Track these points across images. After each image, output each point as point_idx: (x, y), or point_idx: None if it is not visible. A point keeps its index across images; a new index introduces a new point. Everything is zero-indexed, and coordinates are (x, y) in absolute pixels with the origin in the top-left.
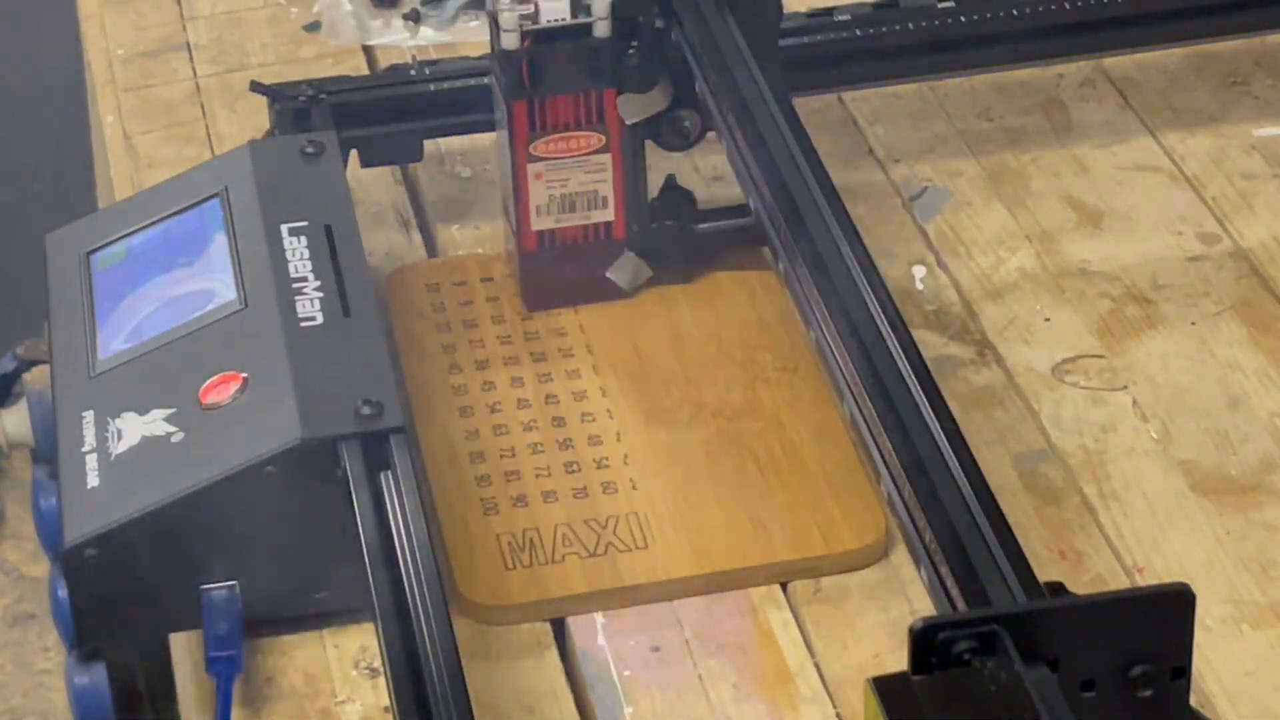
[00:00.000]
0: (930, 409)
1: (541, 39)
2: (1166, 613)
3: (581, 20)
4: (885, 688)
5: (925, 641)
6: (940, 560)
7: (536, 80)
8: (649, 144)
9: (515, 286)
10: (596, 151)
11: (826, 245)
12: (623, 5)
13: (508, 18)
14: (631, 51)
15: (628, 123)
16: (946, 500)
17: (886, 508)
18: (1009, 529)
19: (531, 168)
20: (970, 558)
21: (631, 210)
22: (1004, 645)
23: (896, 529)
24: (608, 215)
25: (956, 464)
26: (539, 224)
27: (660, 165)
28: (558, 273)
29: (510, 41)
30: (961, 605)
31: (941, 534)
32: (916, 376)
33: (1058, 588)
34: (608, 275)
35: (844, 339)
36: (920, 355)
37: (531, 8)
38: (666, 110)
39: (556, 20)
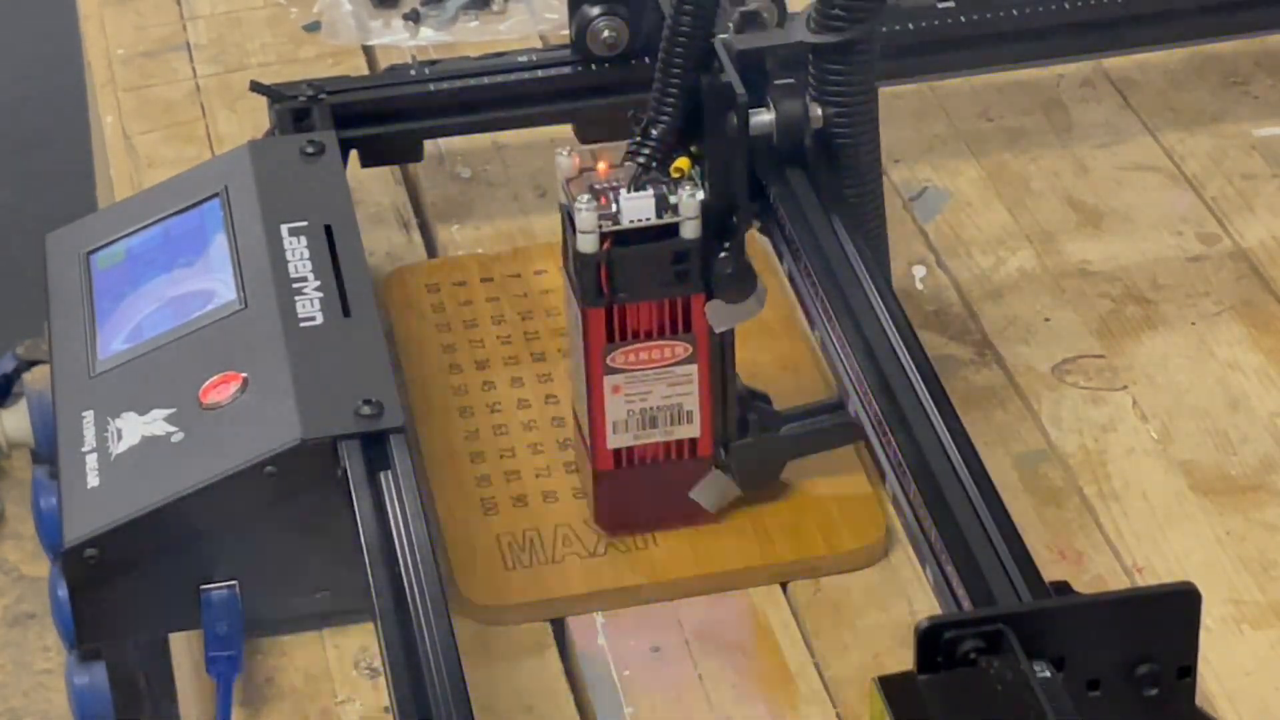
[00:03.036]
0: (936, 408)
1: (622, 240)
2: (1172, 612)
3: (668, 220)
4: (891, 687)
5: (931, 640)
6: (946, 560)
7: (617, 286)
8: None
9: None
10: (681, 362)
11: (831, 245)
12: (713, 204)
13: (586, 218)
14: (724, 255)
15: (716, 331)
16: (952, 500)
17: (890, 507)
18: (1014, 528)
19: (608, 380)
20: (976, 557)
21: (719, 426)
22: (1010, 644)
23: (896, 529)
24: (692, 432)
25: (962, 464)
26: (615, 441)
27: None
28: (636, 494)
29: (588, 244)
30: (967, 604)
31: (947, 533)
32: (922, 376)
33: (1063, 587)
34: (691, 496)
35: (849, 338)
36: (925, 354)
37: (612, 207)
38: None
39: (640, 220)
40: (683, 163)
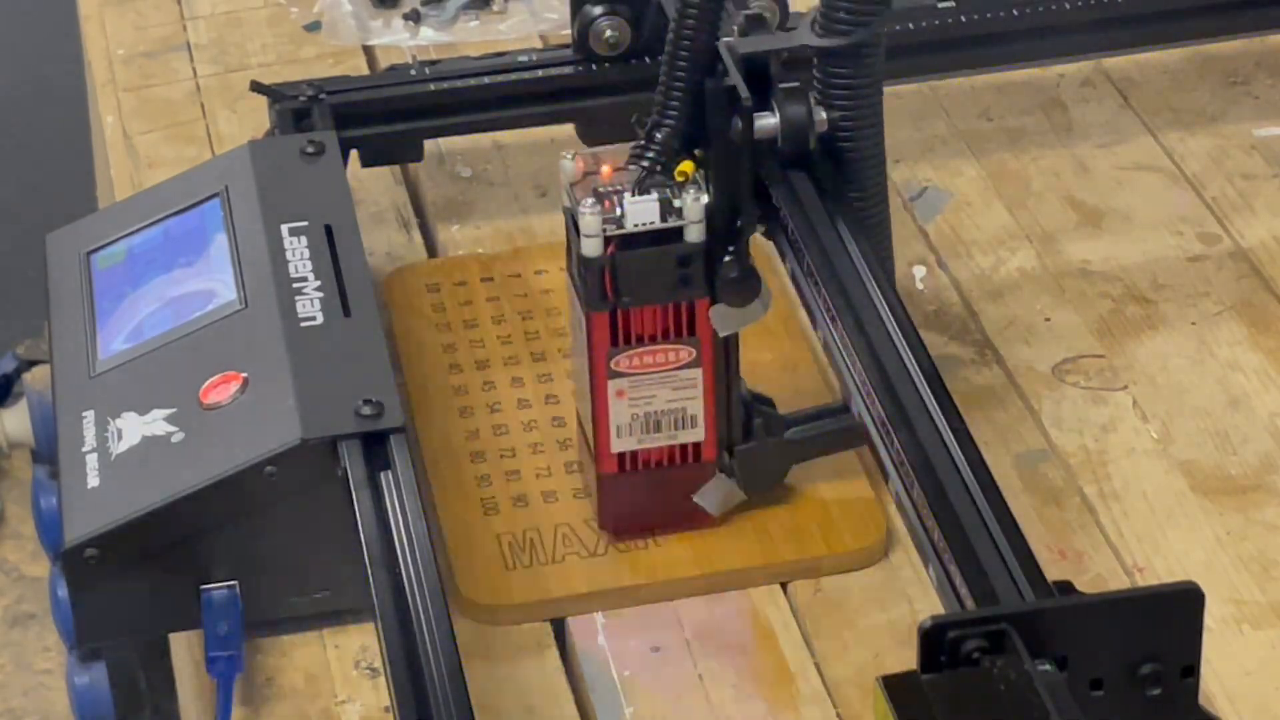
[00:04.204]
0: (938, 408)
1: (627, 244)
2: (1175, 612)
3: (671, 224)
4: (894, 687)
5: (934, 640)
6: (949, 559)
7: (621, 290)
8: None
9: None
10: (686, 366)
11: (834, 244)
12: (717, 207)
13: (589, 221)
14: (728, 259)
15: (721, 335)
16: (955, 499)
17: (890, 508)
18: (1017, 528)
19: (612, 384)
20: (979, 557)
21: (723, 430)
22: (1013, 644)
23: (896, 529)
24: (697, 436)
25: (965, 463)
26: (619, 445)
27: None
28: (639, 497)
29: (592, 248)
30: (970, 604)
31: (950, 533)
32: (924, 375)
33: (1066, 587)
34: (695, 500)
35: (852, 338)
36: (928, 354)
37: (616, 211)
38: None
39: (644, 225)
40: (687, 166)
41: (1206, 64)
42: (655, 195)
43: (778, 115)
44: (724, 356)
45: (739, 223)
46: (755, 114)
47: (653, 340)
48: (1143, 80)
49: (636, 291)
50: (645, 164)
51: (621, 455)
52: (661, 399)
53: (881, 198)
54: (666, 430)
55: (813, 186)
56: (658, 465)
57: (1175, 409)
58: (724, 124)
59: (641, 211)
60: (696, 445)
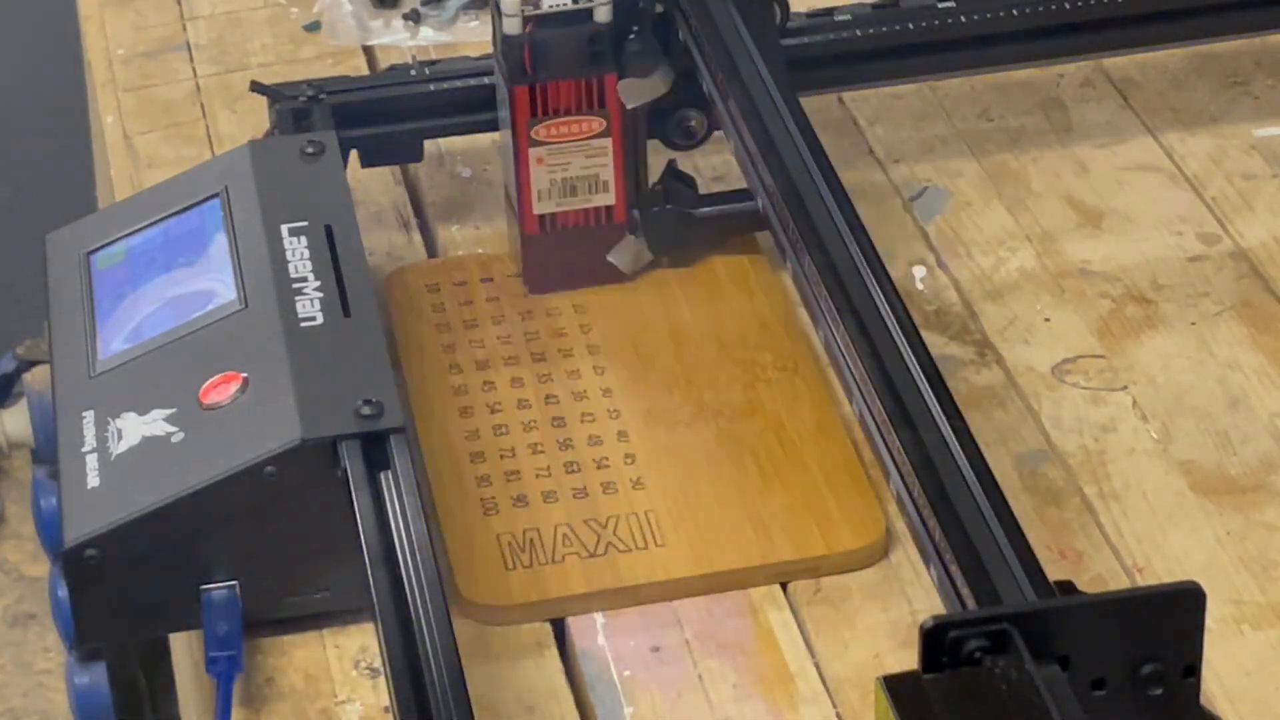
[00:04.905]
0: (939, 408)
1: (543, 24)
2: (1177, 611)
3: (583, 5)
4: (896, 686)
5: (936, 640)
6: (950, 559)
7: (538, 65)
8: (653, 143)
9: (518, 275)
10: (597, 136)
11: (835, 244)
12: None
13: (510, 3)
14: (633, 37)
15: (628, 107)
16: (956, 499)
17: (893, 507)
18: (1019, 528)
19: (533, 152)
20: (980, 556)
21: (632, 195)
22: (1015, 644)
23: (896, 529)
24: (609, 199)
25: (966, 463)
26: (540, 208)
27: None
28: (559, 256)
29: (512, 26)
30: (971, 604)
31: (951, 533)
32: (925, 375)
33: (1067, 586)
34: (609, 259)
35: (852, 338)
36: (929, 354)
37: None
38: (674, 109)
39: (558, 5)
40: None
41: (1206, 64)
42: None
43: None
44: (632, 128)
45: (641, 3)
46: None
47: (568, 112)
48: (1143, 80)
49: (552, 67)
50: None
51: (542, 218)
52: (576, 165)
53: None
54: (581, 194)
55: None
56: (574, 227)
57: (1175, 409)
58: None
59: None
60: (609, 209)
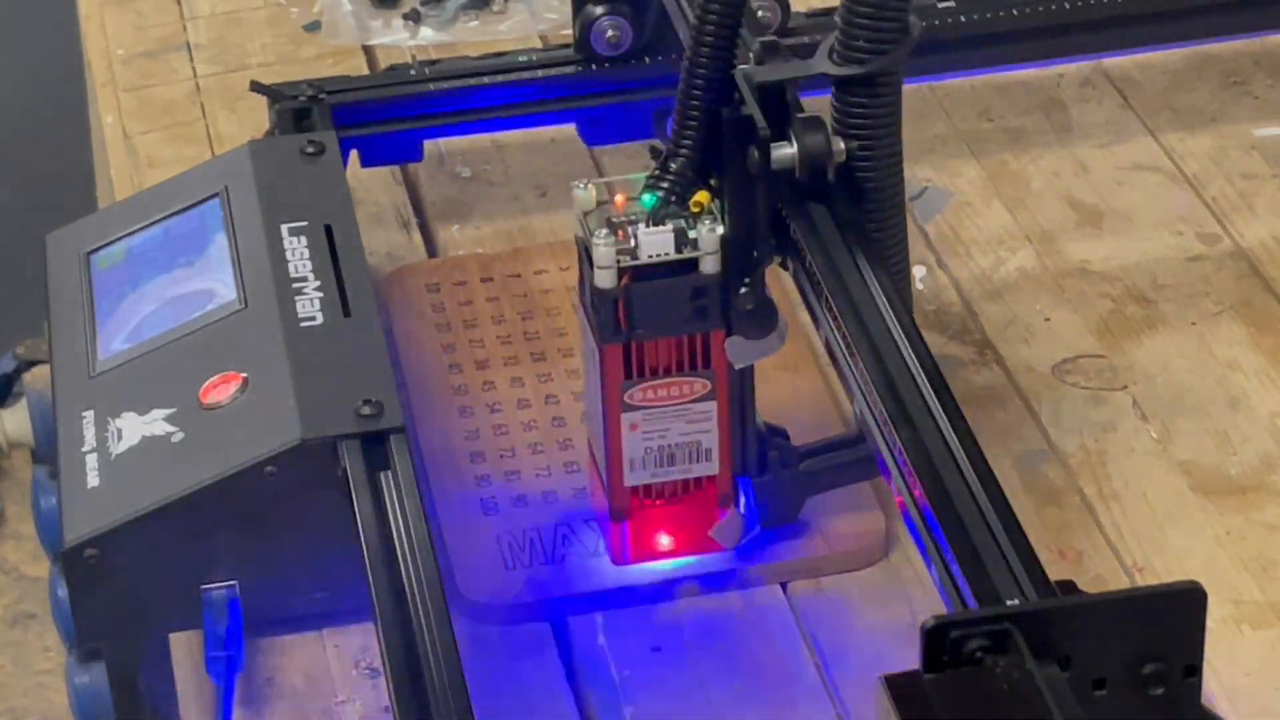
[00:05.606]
0: (940, 407)
1: (641, 275)
2: (1178, 611)
3: (686, 255)
4: (897, 686)
5: (937, 640)
6: (951, 559)
7: (635, 322)
8: None
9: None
10: (700, 399)
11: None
12: (733, 238)
13: (604, 253)
14: (744, 291)
15: (736, 368)
16: (957, 499)
17: (892, 507)
18: (1020, 527)
19: (626, 418)
20: (981, 556)
21: (737, 462)
22: (1016, 644)
23: (896, 529)
24: (711, 469)
25: (967, 462)
26: (633, 479)
27: None
28: (654, 531)
29: (605, 280)
30: (973, 604)
31: (952, 532)
32: (926, 375)
33: (1069, 586)
34: (711, 536)
35: (854, 338)
36: (930, 353)
37: (630, 241)
38: None
39: (658, 255)
40: (702, 196)
41: (1206, 64)
42: (670, 225)
43: (795, 145)
44: (739, 388)
45: (755, 254)
46: (772, 144)
47: (667, 373)
48: (1143, 80)
49: (650, 323)
50: (660, 194)
51: (635, 489)
52: (676, 432)
53: (900, 227)
54: (680, 463)
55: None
56: (671, 497)
57: (1175, 409)
58: (740, 154)
59: (656, 242)
60: (711, 478)
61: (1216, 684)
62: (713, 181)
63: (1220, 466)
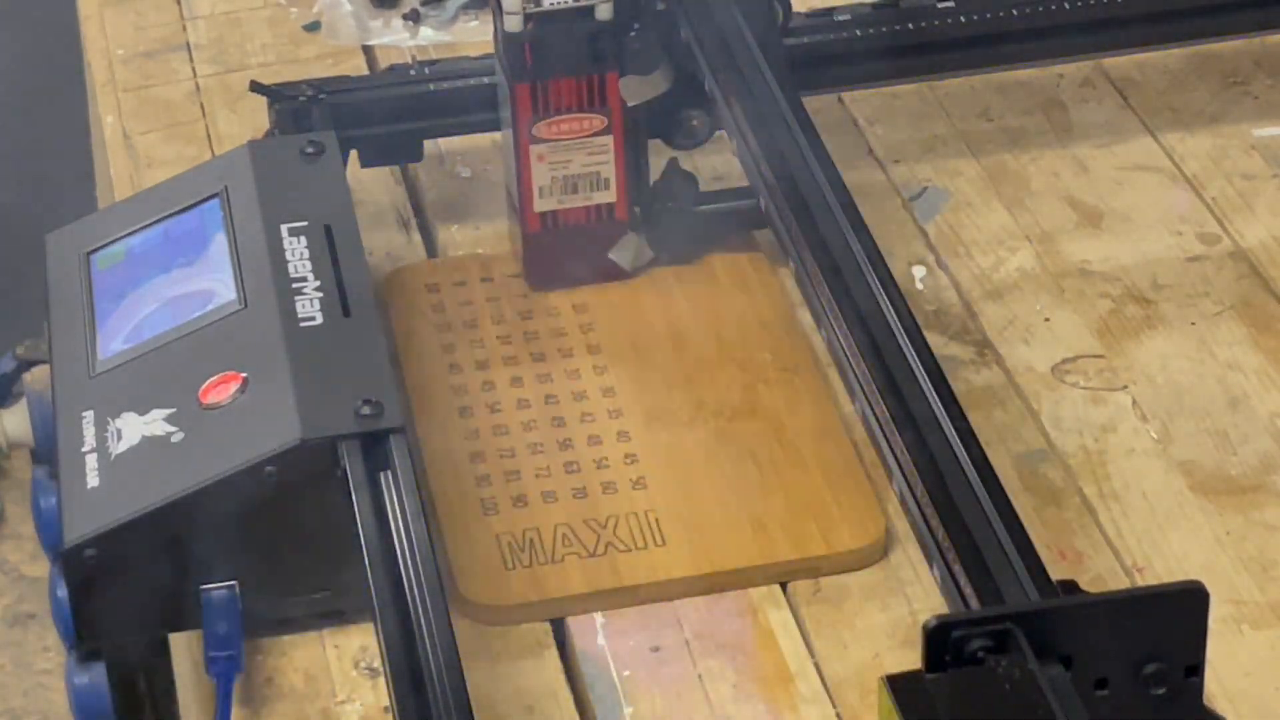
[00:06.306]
0: (942, 407)
1: (544, 22)
2: (1180, 611)
3: (584, 3)
4: (899, 686)
5: (939, 639)
6: (953, 558)
7: (539, 63)
8: (655, 144)
9: (518, 275)
10: (598, 134)
11: (838, 244)
12: None
13: (511, 1)
14: (633, 34)
15: (629, 104)
16: (959, 498)
17: (892, 506)
18: (1022, 527)
19: (534, 149)
20: (983, 556)
21: (634, 192)
22: (1018, 643)
23: (896, 529)
24: (610, 197)
25: (969, 462)
26: (542, 205)
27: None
28: (561, 254)
29: (513, 24)
30: (974, 603)
31: (954, 532)
32: (928, 375)
33: (1070, 586)
34: (610, 256)
35: (856, 338)
36: (932, 354)
37: None
38: (675, 109)
39: (559, 3)
40: None
41: (1206, 64)
42: None
43: None
44: (634, 126)
45: (643, 0)
46: None
47: (569, 110)
48: (1143, 80)
49: (553, 64)
50: None
51: (544, 215)
52: (577, 163)
53: None
54: (583, 192)
55: None
56: (576, 224)
57: (1175, 409)
58: None
59: None
60: (610, 206)
61: (1216, 684)
62: None
63: (1220, 467)
